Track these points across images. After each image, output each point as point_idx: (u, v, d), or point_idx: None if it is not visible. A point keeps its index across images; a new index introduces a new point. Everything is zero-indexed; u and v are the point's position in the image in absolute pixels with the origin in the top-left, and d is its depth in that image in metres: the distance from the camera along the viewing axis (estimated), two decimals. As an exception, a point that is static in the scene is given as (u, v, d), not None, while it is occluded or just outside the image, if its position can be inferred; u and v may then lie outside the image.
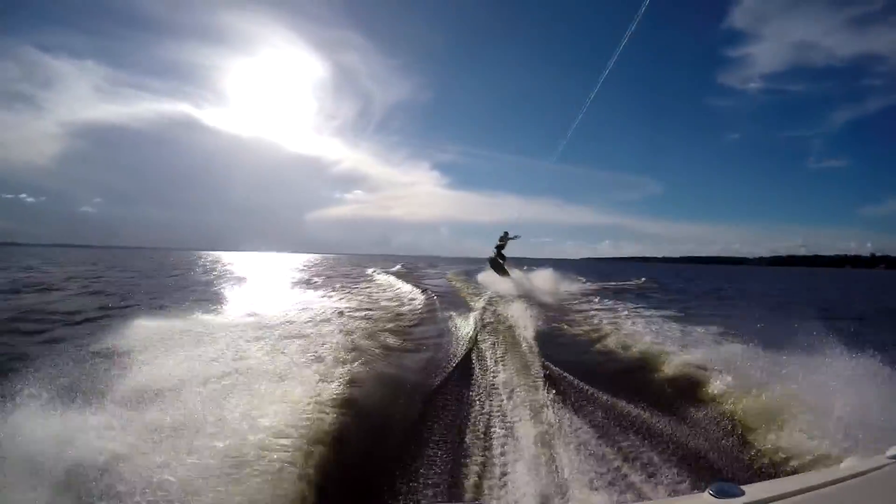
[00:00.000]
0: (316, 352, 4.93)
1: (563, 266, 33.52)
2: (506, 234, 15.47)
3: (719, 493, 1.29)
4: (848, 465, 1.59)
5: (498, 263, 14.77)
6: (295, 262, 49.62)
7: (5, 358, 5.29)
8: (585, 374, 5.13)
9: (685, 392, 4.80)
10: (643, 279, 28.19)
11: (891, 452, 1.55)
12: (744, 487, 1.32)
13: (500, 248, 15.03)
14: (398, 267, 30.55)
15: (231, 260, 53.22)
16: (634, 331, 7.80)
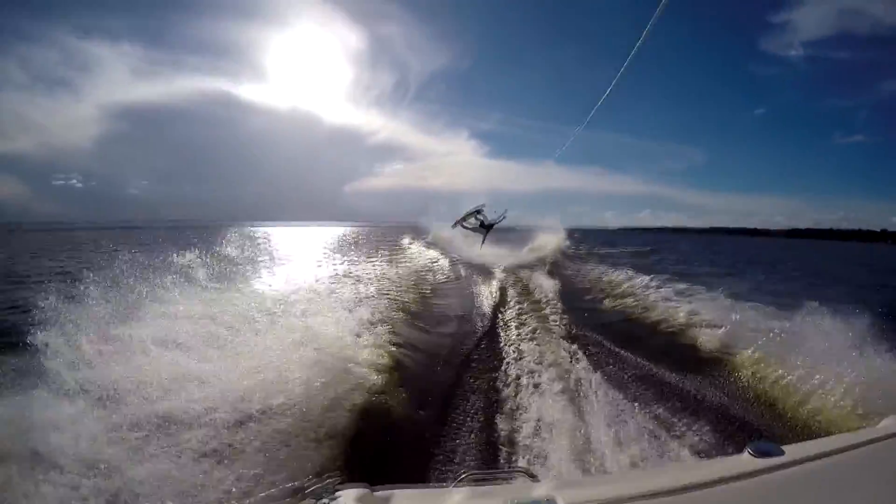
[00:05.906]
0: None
1: (595, 235, 35.55)
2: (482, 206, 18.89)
3: (759, 453, 1.24)
4: (885, 424, 1.57)
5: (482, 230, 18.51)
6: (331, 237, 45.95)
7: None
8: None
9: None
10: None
11: None
12: (784, 447, 1.29)
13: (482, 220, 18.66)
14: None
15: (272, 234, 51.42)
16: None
